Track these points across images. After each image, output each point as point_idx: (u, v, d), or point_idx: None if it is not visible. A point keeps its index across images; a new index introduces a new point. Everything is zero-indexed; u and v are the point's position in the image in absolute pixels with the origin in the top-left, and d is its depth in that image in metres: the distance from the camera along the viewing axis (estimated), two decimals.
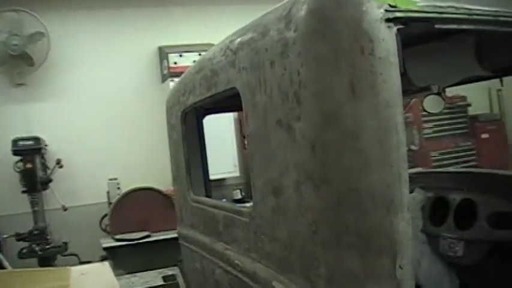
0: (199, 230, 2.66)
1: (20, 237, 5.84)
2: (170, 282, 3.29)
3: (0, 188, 6.46)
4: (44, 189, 6.34)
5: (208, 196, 3.24)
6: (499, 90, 8.13)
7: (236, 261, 2.06)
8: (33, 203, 6.13)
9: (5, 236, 5.96)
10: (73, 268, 3.53)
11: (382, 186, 1.28)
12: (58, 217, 6.53)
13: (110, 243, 6.05)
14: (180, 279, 3.20)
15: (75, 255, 6.52)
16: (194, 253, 2.82)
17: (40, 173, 6.23)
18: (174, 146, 3.01)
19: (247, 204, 2.09)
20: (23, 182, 6.09)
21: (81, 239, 6.67)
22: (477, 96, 8.04)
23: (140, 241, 6.07)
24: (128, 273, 6.26)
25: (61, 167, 6.58)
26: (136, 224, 6.38)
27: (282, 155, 1.54)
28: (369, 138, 1.30)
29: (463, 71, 2.52)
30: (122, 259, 6.09)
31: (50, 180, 6.34)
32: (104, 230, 6.70)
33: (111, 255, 6.10)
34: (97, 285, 2.95)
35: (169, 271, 3.51)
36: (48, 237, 6.03)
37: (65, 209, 6.27)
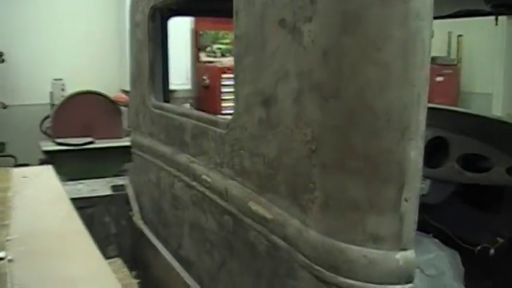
0: (158, 138, 2.46)
1: None
2: (119, 192, 3.09)
3: None
4: None
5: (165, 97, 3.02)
6: (460, 36, 8.08)
7: (203, 176, 1.88)
8: None
9: None
10: (14, 169, 3.29)
11: (400, 106, 1.12)
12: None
13: (50, 146, 5.76)
14: (129, 190, 3.00)
15: (13, 156, 6.21)
16: (149, 163, 2.63)
17: None
18: (138, 46, 2.74)
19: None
20: None
21: (20, 140, 6.35)
22: (437, 39, 7.97)
23: (83, 147, 5.81)
24: (70, 179, 6.04)
25: (2, 61, 6.13)
26: (80, 129, 6.09)
27: (281, 61, 1.34)
28: (392, 51, 1.12)
29: (461, 2, 2.37)
30: (63, 164, 5.82)
31: None
32: (45, 133, 6.38)
33: (51, 159, 5.82)
34: (40, 189, 2.73)
35: (118, 180, 3.30)
36: None
37: (4, 107, 5.90)
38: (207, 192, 1.87)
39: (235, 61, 1.60)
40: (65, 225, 2.19)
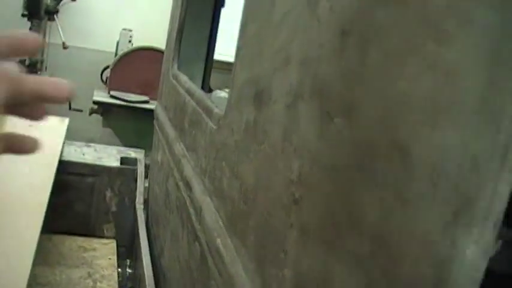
0: (169, 116, 1.98)
1: None
2: (126, 167, 2.65)
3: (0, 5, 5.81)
4: (49, 19, 5.65)
5: (204, 83, 2.55)
6: None
7: (188, 179, 1.39)
8: (31, 31, 5.45)
9: None
10: None
11: (463, 162, 0.57)
12: (59, 55, 5.90)
13: (102, 97, 5.45)
14: (140, 167, 2.57)
15: None
16: (160, 143, 2.17)
17: (48, 0, 5.51)
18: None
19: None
20: (26, 4, 5.37)
21: (78, 85, 6.08)
22: None
23: (136, 105, 5.45)
24: (117, 135, 5.73)
25: (74, 0, 5.84)
26: (139, 86, 5.74)
27: (285, 37, 0.81)
28: (470, 43, 0.57)
29: None
30: (112, 118, 5.52)
31: (57, 11, 5.63)
32: (104, 82, 6.09)
33: (102, 111, 5.52)
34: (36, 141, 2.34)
35: (133, 152, 2.87)
36: (39, 73, 5.41)
37: (65, 47, 5.59)
38: (188, 202, 1.37)
39: (240, 30, 1.08)
40: (29, 194, 1.78)
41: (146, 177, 2.57)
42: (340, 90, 0.64)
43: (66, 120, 2.84)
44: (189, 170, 1.40)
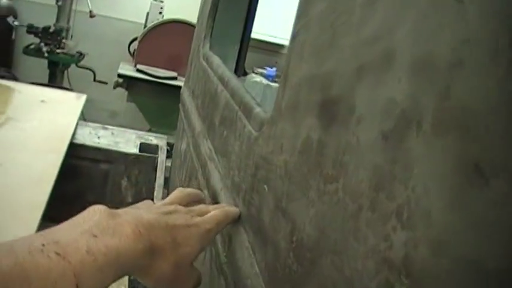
0: (196, 103, 1.70)
1: (31, 30, 4.98)
2: (145, 154, 2.39)
3: None
4: None
5: (238, 65, 2.26)
6: None
7: (214, 192, 1.11)
8: None
9: (16, 23, 5.12)
10: (41, 89, 2.69)
11: None
12: (85, 24, 5.65)
13: (128, 70, 5.20)
14: (162, 156, 2.31)
15: (92, 70, 5.73)
16: (184, 132, 1.89)
17: None
18: None
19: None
20: None
21: (103, 55, 5.85)
22: None
23: (164, 81, 5.18)
24: (143, 113, 5.48)
25: None
26: (168, 61, 5.47)
27: (382, 18, 0.53)
28: None
29: None
30: (137, 93, 5.27)
31: None
32: (132, 55, 5.85)
33: (127, 85, 5.28)
34: (43, 125, 2.08)
35: (154, 138, 2.60)
36: (63, 40, 5.17)
37: (92, 16, 5.34)
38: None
39: (298, 6, 0.78)
40: (28, 186, 1.53)
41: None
42: (508, 126, 0.35)
43: (83, 97, 2.58)
44: (217, 180, 1.12)
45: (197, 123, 1.54)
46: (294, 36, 0.78)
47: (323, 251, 0.56)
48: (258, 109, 0.95)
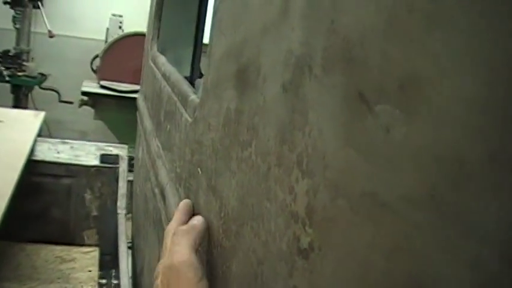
0: (147, 105, 1.67)
1: None
2: (106, 165, 2.34)
3: None
4: (34, 6, 5.32)
5: (193, 68, 2.23)
6: None
7: (162, 188, 1.08)
8: (15, 20, 5.13)
9: None
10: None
11: None
12: (45, 44, 5.57)
13: (92, 88, 5.13)
14: (123, 166, 2.27)
15: (56, 91, 5.64)
16: (140, 137, 1.86)
17: None
18: None
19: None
20: None
21: (66, 75, 5.77)
22: None
23: (127, 95, 5.12)
24: (110, 128, 5.42)
25: None
26: (131, 74, 5.41)
27: None
28: None
29: None
30: (103, 110, 5.20)
31: None
32: (95, 72, 5.77)
33: (92, 102, 5.21)
34: (1, 142, 2.03)
35: (115, 148, 2.56)
36: (24, 64, 5.09)
37: (51, 36, 5.25)
38: (163, 217, 1.06)
39: None
40: None
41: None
42: (389, 49, 0.33)
43: (42, 115, 2.52)
44: (164, 175, 1.09)
45: (148, 124, 1.51)
46: (215, 14, 0.76)
47: (244, 220, 0.53)
48: (192, 96, 0.93)
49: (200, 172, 0.75)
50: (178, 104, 1.00)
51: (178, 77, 1.14)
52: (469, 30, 0.28)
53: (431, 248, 0.30)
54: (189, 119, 0.88)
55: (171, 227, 0.70)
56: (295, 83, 0.43)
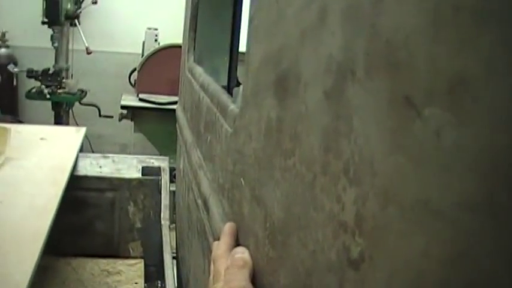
0: (186, 116, 1.68)
1: (31, 74, 5.01)
2: (148, 177, 2.37)
3: (20, 14, 5.67)
4: (71, 24, 5.44)
5: (230, 76, 2.23)
6: None
7: (205, 199, 1.08)
8: (54, 38, 5.24)
9: (15, 69, 5.17)
10: (40, 127, 2.69)
11: None
12: (83, 61, 5.69)
13: (130, 101, 5.21)
14: (164, 177, 2.29)
15: (96, 106, 5.75)
16: (181, 148, 1.87)
17: (68, 5, 5.28)
18: None
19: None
20: (46, 10, 5.16)
21: (105, 90, 5.88)
22: None
23: (166, 106, 5.18)
24: (151, 140, 5.49)
25: (95, 2, 5.60)
26: (168, 86, 5.47)
27: None
28: None
29: None
30: (143, 122, 5.27)
31: (78, 16, 5.41)
32: (133, 85, 5.86)
33: (131, 115, 5.28)
34: (43, 160, 2.07)
35: (156, 160, 2.58)
36: (64, 81, 5.20)
37: (89, 52, 5.37)
38: (207, 228, 1.06)
39: None
40: (29, 219, 1.51)
41: None
42: (436, 51, 0.32)
43: (83, 130, 2.57)
44: (206, 186, 1.09)
45: (188, 136, 1.52)
46: (250, 22, 0.75)
47: (290, 230, 0.53)
48: (232, 106, 0.92)
49: (243, 182, 0.75)
50: (218, 114, 1.00)
51: (216, 87, 1.14)
52: None
53: (489, 257, 0.29)
54: (229, 129, 0.88)
55: (222, 252, 0.70)
56: (337, 89, 0.43)
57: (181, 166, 1.86)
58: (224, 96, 1.02)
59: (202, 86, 1.28)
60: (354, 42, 0.40)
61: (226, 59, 2.35)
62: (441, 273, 0.32)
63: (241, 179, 0.76)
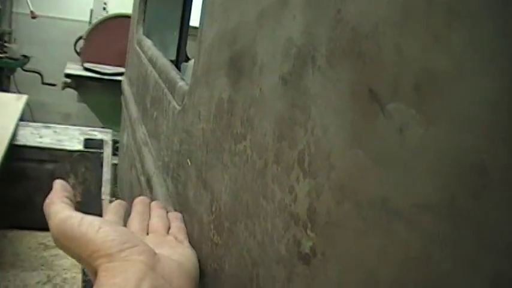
0: (133, 90, 1.63)
1: None
2: (90, 150, 2.30)
3: None
4: None
5: (179, 51, 2.19)
6: None
7: (149, 177, 1.05)
8: None
9: None
10: None
11: None
12: (27, 26, 5.47)
13: (75, 70, 5.05)
14: (107, 151, 2.22)
15: (39, 73, 5.55)
16: (125, 122, 1.82)
17: None
18: None
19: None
20: None
21: (49, 57, 5.68)
22: None
23: (111, 77, 5.05)
24: (94, 111, 5.35)
25: None
26: (116, 57, 5.33)
27: None
28: None
29: None
30: (87, 92, 5.13)
31: None
32: (79, 54, 5.68)
33: (75, 84, 5.12)
34: None
35: (99, 133, 2.51)
36: (6, 45, 4.99)
37: (34, 17, 5.17)
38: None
39: None
40: None
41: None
42: (405, 44, 0.30)
43: (24, 98, 2.47)
44: (150, 164, 1.06)
45: (133, 110, 1.48)
46: None
47: (237, 217, 0.51)
48: (181, 83, 0.89)
49: (189, 163, 0.72)
50: (166, 90, 0.97)
51: (165, 62, 1.11)
52: (493, 26, 0.25)
53: (448, 260, 0.28)
54: (177, 107, 0.85)
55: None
56: (296, 75, 0.41)
57: (124, 140, 1.81)
58: (173, 72, 0.99)
59: (150, 60, 1.23)
60: (317, 28, 0.38)
61: (176, 33, 2.30)
62: (395, 274, 0.31)
63: (188, 160, 0.74)
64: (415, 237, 0.30)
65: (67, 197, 0.62)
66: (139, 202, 0.73)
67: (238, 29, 0.56)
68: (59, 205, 0.56)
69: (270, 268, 0.43)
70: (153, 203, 0.75)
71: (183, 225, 0.70)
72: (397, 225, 0.30)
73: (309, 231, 0.37)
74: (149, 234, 0.65)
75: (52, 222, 0.56)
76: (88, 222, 0.52)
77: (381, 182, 0.32)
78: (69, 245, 0.52)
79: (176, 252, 0.59)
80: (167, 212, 0.73)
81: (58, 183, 0.67)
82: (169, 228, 0.69)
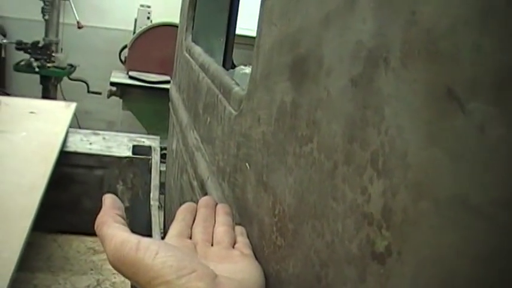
0: (182, 97, 1.66)
1: (20, 46, 4.93)
2: (138, 156, 2.35)
3: None
4: None
5: (226, 58, 2.21)
6: None
7: (202, 181, 1.07)
8: (44, 11, 5.16)
9: (4, 40, 5.08)
10: (29, 101, 2.64)
11: None
12: (74, 36, 5.61)
13: (120, 78, 5.15)
14: (155, 157, 2.26)
15: (85, 82, 5.69)
16: (174, 129, 1.85)
17: None
18: None
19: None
20: None
21: (95, 66, 5.81)
22: None
23: (156, 85, 5.14)
24: (139, 118, 5.45)
25: None
26: (159, 65, 5.42)
27: None
28: None
29: None
30: (131, 100, 5.23)
31: None
32: (123, 63, 5.80)
33: (120, 92, 5.23)
34: (33, 135, 2.04)
35: (147, 139, 2.56)
36: (53, 55, 5.13)
37: (80, 27, 5.30)
38: None
39: None
40: (17, 196, 1.49)
41: None
42: (484, 42, 0.30)
43: (73, 106, 2.53)
44: (203, 168, 1.08)
45: (184, 116, 1.50)
46: (263, 2, 0.73)
47: (303, 219, 0.52)
48: (236, 88, 0.91)
49: (248, 167, 0.74)
50: (220, 96, 0.99)
51: (218, 68, 1.12)
52: None
53: None
54: (234, 112, 0.87)
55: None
56: (366, 76, 0.41)
57: (173, 147, 1.84)
58: (227, 77, 1.01)
59: (202, 66, 1.26)
60: (389, 30, 0.38)
61: (222, 40, 2.32)
62: (474, 271, 0.32)
63: (246, 164, 0.75)
64: (494, 234, 0.30)
65: (119, 215, 0.61)
66: (204, 205, 0.74)
67: (301, 32, 0.56)
68: (112, 227, 0.57)
69: (340, 268, 0.43)
70: (219, 206, 0.75)
71: (247, 241, 0.70)
72: (477, 222, 0.31)
73: (383, 231, 0.38)
74: (214, 246, 0.65)
75: (108, 247, 0.55)
76: (145, 248, 0.52)
77: (459, 179, 0.32)
78: (126, 270, 0.52)
79: (239, 268, 0.59)
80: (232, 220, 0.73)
81: (108, 199, 0.65)
82: (234, 239, 0.69)
